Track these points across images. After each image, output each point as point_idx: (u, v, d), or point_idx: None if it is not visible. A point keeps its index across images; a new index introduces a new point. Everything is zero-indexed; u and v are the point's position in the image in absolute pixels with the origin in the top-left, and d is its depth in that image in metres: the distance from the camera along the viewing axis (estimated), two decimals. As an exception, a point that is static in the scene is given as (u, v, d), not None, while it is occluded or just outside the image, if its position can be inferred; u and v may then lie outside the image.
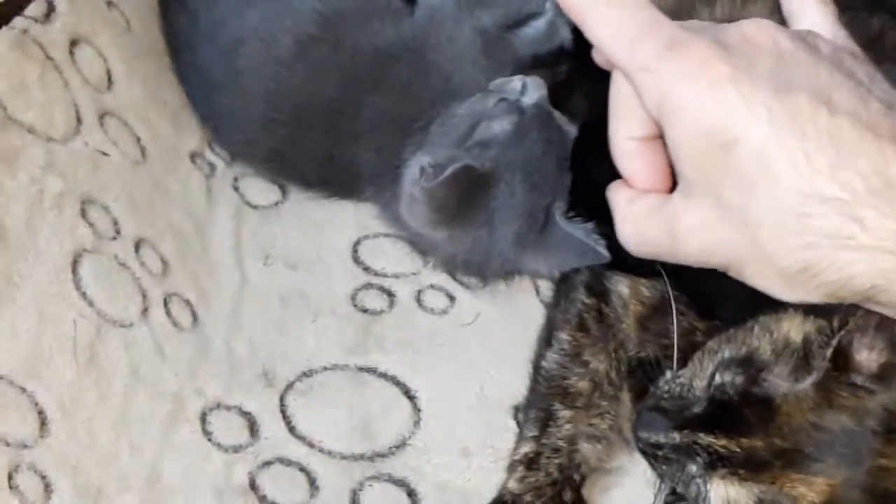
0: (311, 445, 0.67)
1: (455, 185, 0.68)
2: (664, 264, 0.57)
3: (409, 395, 0.70)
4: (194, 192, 0.76)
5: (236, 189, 0.79)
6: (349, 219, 0.78)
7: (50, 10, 0.67)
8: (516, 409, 0.69)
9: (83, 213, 0.65)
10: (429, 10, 0.77)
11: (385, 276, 0.76)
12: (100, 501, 0.59)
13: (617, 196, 0.54)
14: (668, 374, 0.63)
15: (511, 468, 0.66)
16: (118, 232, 0.67)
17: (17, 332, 0.58)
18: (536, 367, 0.70)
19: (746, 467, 0.56)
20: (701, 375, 0.60)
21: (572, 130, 0.73)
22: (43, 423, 0.58)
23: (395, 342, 0.72)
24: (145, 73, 0.75)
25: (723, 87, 0.47)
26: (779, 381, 0.57)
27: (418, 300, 0.75)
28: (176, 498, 0.62)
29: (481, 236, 0.71)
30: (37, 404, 0.58)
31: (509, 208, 0.70)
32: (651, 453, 0.60)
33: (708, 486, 0.57)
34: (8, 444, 0.56)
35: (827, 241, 0.46)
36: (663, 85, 0.49)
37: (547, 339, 0.70)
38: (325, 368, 0.70)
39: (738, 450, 0.56)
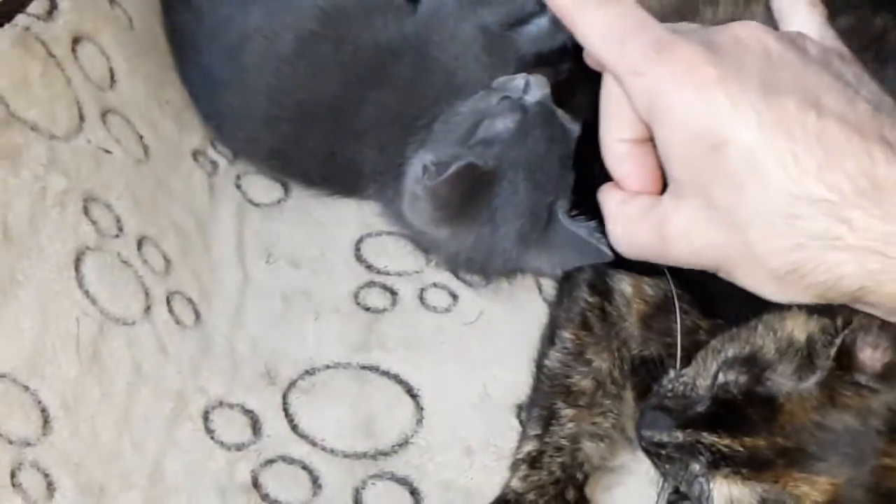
0: (314, 444, 0.67)
1: (458, 183, 0.68)
2: (665, 264, 0.57)
3: (412, 394, 0.70)
4: (197, 190, 0.76)
5: (239, 187, 0.79)
6: (352, 217, 0.78)
7: (52, 7, 0.67)
8: (519, 407, 0.69)
9: (86, 211, 0.65)
10: (431, 7, 0.77)
11: (388, 274, 0.76)
12: (102, 499, 0.59)
13: (608, 198, 0.54)
14: (672, 373, 0.63)
15: (514, 467, 0.66)
16: (121, 230, 0.67)
17: (20, 330, 0.58)
18: (539, 366, 0.70)
19: (749, 466, 0.56)
20: (704, 374, 0.60)
21: (575, 128, 0.73)
22: (46, 421, 0.58)
23: (398, 340, 0.72)
24: (147, 71, 0.75)
25: (710, 91, 0.47)
26: (782, 381, 0.57)
27: (421, 298, 0.75)
28: (178, 496, 0.62)
29: (484, 234, 0.71)
30: (39, 402, 0.58)
31: (512, 206, 0.70)
32: (654, 452, 0.60)
33: (711, 485, 0.57)
34: (11, 442, 0.56)
35: (815, 243, 0.46)
36: (652, 88, 0.49)
37: (550, 338, 0.70)
38: (328, 367, 0.70)
39: (741, 449, 0.56)
